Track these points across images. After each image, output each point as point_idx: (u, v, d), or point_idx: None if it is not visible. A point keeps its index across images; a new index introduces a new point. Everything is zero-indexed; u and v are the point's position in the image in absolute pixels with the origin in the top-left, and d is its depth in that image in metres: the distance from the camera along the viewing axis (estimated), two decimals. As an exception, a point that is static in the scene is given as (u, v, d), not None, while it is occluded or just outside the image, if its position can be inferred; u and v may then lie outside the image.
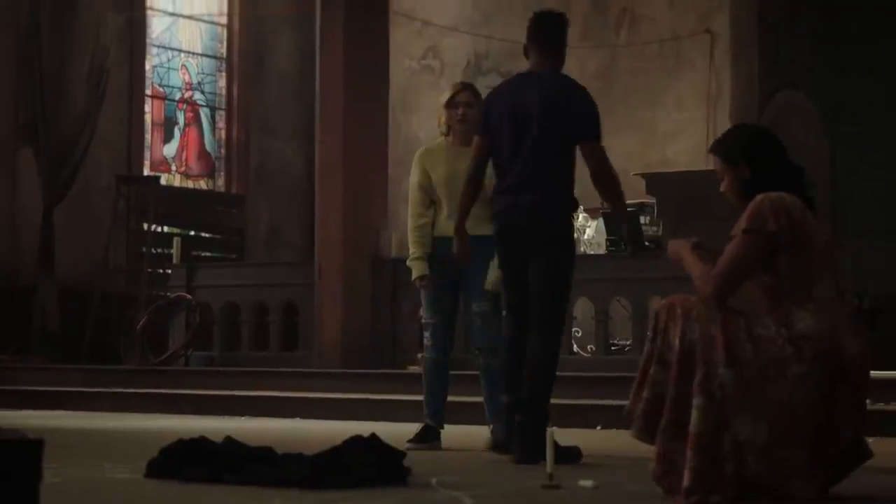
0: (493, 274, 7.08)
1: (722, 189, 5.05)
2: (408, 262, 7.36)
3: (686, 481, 4.53)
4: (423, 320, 7.43)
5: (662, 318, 4.70)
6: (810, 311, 4.67)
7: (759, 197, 4.81)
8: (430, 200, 7.35)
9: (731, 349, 4.56)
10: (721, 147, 5.08)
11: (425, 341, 7.40)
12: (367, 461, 5.22)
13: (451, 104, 7.36)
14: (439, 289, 7.29)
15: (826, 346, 4.60)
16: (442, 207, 7.31)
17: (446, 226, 7.23)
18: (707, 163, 13.85)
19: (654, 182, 12.64)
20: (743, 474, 4.54)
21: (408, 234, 7.41)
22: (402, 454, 5.40)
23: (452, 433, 7.40)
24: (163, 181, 17.02)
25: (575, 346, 11.79)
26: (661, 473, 4.67)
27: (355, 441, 5.39)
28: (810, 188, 5.00)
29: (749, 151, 4.98)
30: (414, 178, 7.39)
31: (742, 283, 4.77)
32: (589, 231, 12.68)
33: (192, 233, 17.67)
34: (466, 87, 7.49)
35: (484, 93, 7.43)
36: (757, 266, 4.77)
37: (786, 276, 4.73)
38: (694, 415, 4.54)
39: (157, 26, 17.87)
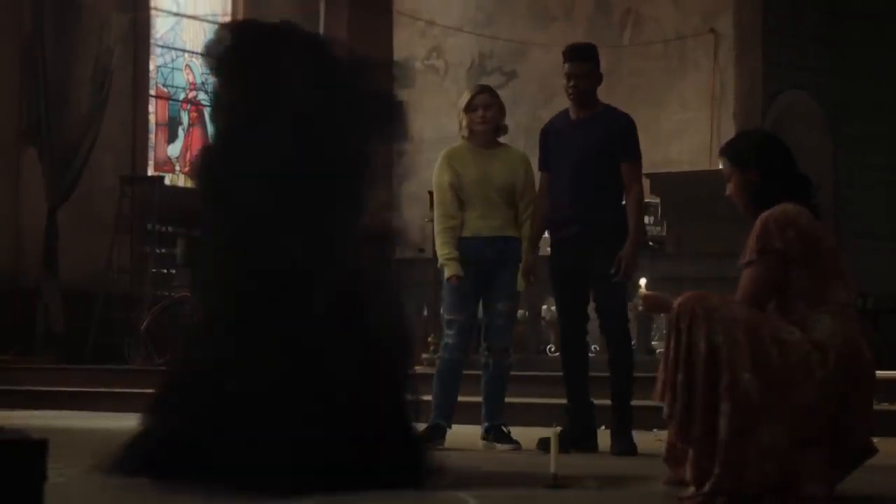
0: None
1: (728, 192, 5.02)
2: (440, 263, 7.34)
3: (708, 486, 4.51)
4: (447, 318, 7.39)
5: (685, 320, 4.65)
6: (826, 314, 4.66)
7: (762, 216, 4.79)
8: (459, 200, 7.35)
9: (756, 354, 4.54)
10: (731, 149, 5.06)
11: (448, 339, 7.36)
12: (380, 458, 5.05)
13: (469, 108, 7.40)
14: (468, 288, 7.29)
15: (847, 351, 4.60)
16: (474, 207, 7.32)
17: (477, 225, 7.29)
18: (711, 163, 13.93)
19: (658, 182, 12.67)
20: (763, 479, 4.52)
21: (436, 234, 7.38)
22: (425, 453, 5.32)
23: (454, 433, 7.40)
24: (167, 181, 17.02)
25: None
26: (695, 477, 4.63)
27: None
28: (815, 195, 4.99)
29: (760, 155, 4.97)
30: (444, 178, 7.36)
31: (767, 303, 4.75)
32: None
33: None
34: (484, 90, 7.54)
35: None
36: (776, 285, 4.75)
37: (799, 286, 4.72)
38: (722, 421, 4.53)
39: (161, 26, 17.88)
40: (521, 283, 7.31)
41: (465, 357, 7.39)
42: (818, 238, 4.78)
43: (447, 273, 7.29)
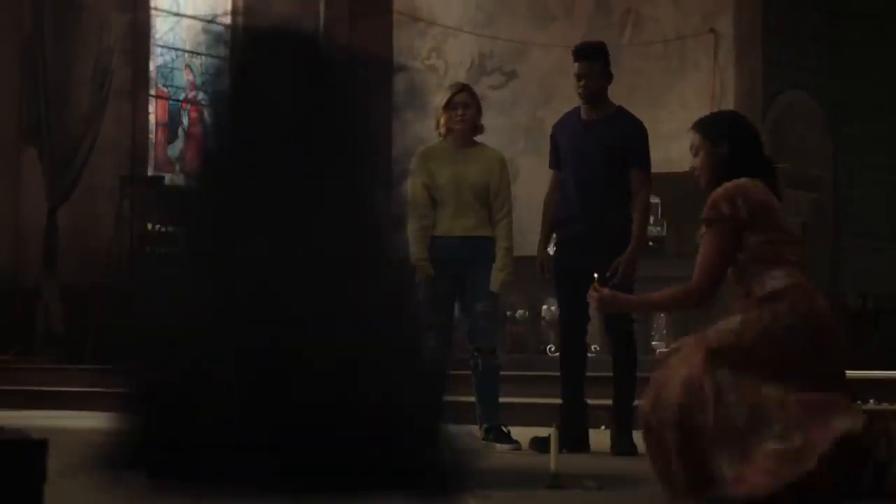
0: (501, 276, 7.18)
1: (693, 164, 5.11)
2: (413, 263, 7.32)
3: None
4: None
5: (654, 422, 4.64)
6: (783, 269, 4.73)
7: (715, 191, 4.91)
8: (433, 200, 7.35)
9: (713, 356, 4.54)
10: (704, 123, 5.19)
11: (429, 341, 7.36)
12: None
13: (449, 106, 7.40)
14: (441, 288, 7.28)
15: (800, 297, 4.65)
16: (448, 207, 7.31)
17: (450, 225, 7.28)
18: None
19: (657, 182, 12.58)
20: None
21: (409, 234, 7.34)
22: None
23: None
24: (167, 181, 17.00)
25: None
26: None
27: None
28: (776, 177, 5.03)
29: (731, 130, 5.10)
30: (418, 178, 7.36)
31: (724, 273, 4.82)
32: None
33: (196, 233, 17.63)
34: (463, 88, 7.55)
35: (485, 93, 7.52)
36: (732, 252, 4.79)
37: (757, 251, 4.78)
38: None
39: (161, 26, 17.88)
40: (494, 284, 7.27)
41: (447, 358, 7.34)
42: (771, 210, 4.86)
43: (418, 275, 7.29)
